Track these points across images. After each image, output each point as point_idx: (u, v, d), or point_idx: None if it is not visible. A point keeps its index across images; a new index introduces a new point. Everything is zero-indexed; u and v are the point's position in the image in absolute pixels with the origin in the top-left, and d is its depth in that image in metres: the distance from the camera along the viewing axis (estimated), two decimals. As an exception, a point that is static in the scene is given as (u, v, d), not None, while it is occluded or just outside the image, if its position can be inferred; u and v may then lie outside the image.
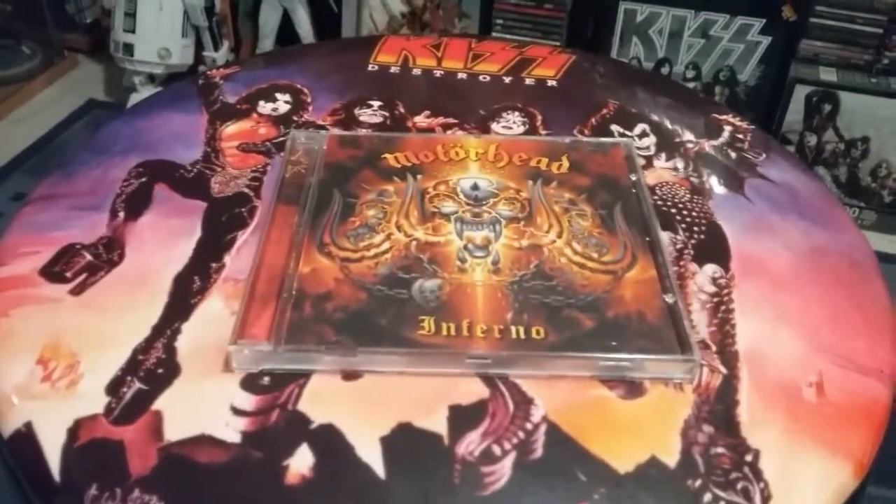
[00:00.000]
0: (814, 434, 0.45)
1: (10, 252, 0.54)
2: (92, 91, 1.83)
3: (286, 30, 1.78)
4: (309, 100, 0.70)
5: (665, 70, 1.45)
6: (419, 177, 0.59)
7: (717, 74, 1.44)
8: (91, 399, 0.45)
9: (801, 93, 1.38)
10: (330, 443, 0.43)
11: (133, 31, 1.64)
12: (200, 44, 1.71)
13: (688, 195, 0.61)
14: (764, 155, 0.66)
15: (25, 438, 0.43)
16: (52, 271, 0.52)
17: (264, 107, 0.69)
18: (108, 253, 0.54)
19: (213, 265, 0.53)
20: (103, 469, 0.42)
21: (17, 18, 1.82)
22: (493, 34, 1.58)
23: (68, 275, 0.52)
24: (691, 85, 1.44)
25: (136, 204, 0.58)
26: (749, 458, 0.43)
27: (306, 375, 0.46)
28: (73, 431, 0.43)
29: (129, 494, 0.41)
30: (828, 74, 1.40)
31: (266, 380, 0.46)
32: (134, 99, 1.71)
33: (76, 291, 0.51)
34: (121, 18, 1.64)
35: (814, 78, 1.39)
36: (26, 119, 1.74)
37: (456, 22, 1.69)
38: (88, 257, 0.53)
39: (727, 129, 0.69)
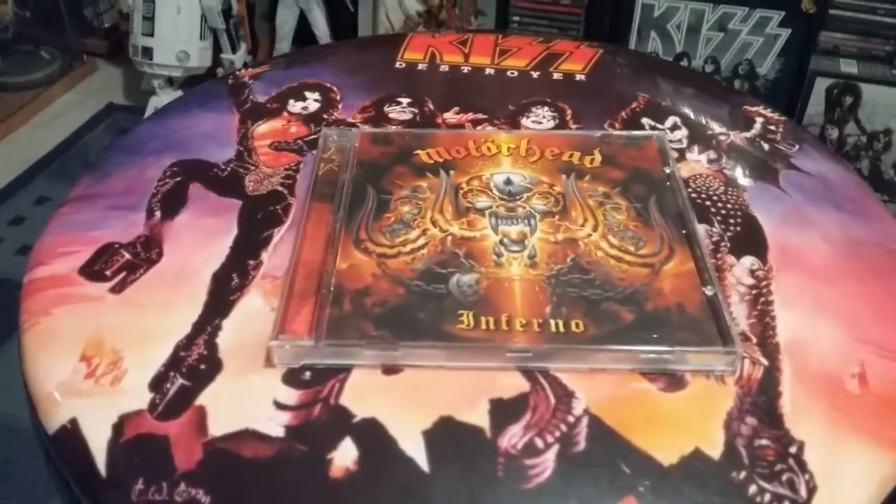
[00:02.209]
0: (857, 425, 0.45)
1: (50, 252, 0.55)
2: (111, 95, 1.84)
3: (303, 30, 1.79)
4: (338, 98, 0.70)
5: (683, 65, 1.45)
6: (452, 172, 0.59)
7: (737, 68, 1.44)
8: (135, 395, 0.45)
9: (821, 85, 1.37)
10: (373, 436, 0.43)
11: (151, 35, 1.65)
12: (218, 46, 1.72)
13: (722, 187, 0.61)
14: (797, 146, 0.66)
15: (71, 435, 0.44)
16: (92, 270, 0.53)
17: (294, 105, 0.69)
18: (147, 252, 0.54)
19: (251, 262, 0.53)
20: (149, 464, 0.42)
21: (37, 24, 1.84)
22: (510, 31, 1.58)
23: (108, 273, 0.52)
24: (711, 79, 1.43)
25: (172, 203, 0.58)
26: (793, 449, 0.43)
27: (347, 370, 0.46)
28: (119, 427, 0.44)
29: (176, 488, 0.41)
30: (848, 66, 1.39)
31: (307, 375, 0.46)
32: (153, 102, 1.72)
33: (116, 290, 0.51)
34: (139, 22, 1.65)
35: (834, 70, 1.38)
36: (47, 123, 1.75)
37: (472, 20, 1.70)
38: (127, 256, 0.54)
39: (759, 120, 0.69)
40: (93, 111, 1.79)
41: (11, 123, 1.72)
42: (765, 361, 0.48)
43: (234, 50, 1.72)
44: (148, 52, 1.66)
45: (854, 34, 1.38)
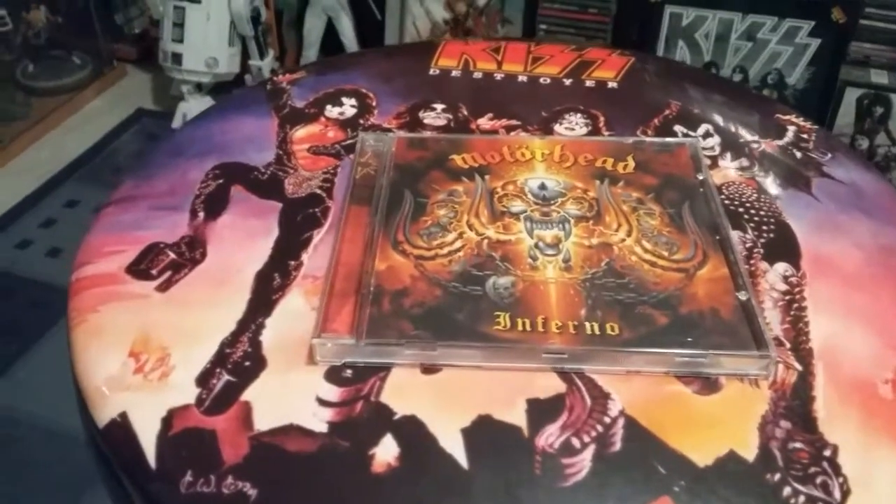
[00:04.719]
0: (891, 430, 0.45)
1: (97, 251, 0.56)
2: (141, 100, 1.87)
3: (330, 38, 1.81)
4: (374, 104, 0.71)
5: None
6: (487, 177, 0.60)
7: (765, 78, 1.44)
8: (183, 390, 0.46)
9: (851, 96, 1.37)
10: (413, 433, 0.44)
11: (181, 41, 1.68)
12: (246, 53, 1.74)
13: (755, 194, 0.61)
14: (829, 154, 0.66)
15: (121, 428, 0.45)
16: (138, 269, 0.54)
17: (331, 111, 0.70)
18: (191, 251, 0.55)
19: (292, 263, 0.54)
20: (197, 457, 0.43)
21: (68, 30, 1.88)
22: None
23: (153, 272, 0.54)
24: (739, 88, 1.43)
25: (214, 204, 0.59)
26: (827, 453, 0.44)
27: (387, 368, 0.47)
28: (167, 421, 0.45)
29: (223, 481, 0.42)
30: (879, 77, 1.38)
31: (349, 372, 0.47)
32: (182, 108, 1.75)
33: (162, 288, 0.53)
34: (169, 29, 1.68)
35: (865, 80, 1.38)
36: (78, 128, 1.79)
37: (499, 28, 1.71)
38: (172, 255, 0.55)
39: (791, 128, 0.69)
40: (122, 116, 1.82)
41: (43, 127, 1.76)
42: (798, 366, 0.48)
43: (262, 56, 1.75)
44: (177, 57, 1.69)
45: (885, 44, 1.38)
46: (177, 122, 1.76)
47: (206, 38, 1.68)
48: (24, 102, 1.78)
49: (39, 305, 1.29)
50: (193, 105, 1.73)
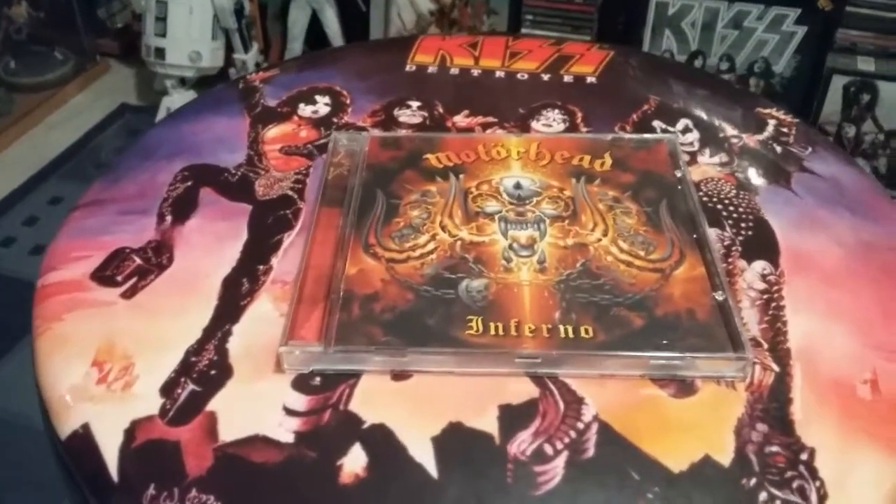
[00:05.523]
0: (869, 431, 0.44)
1: (61, 257, 0.55)
2: (124, 95, 1.85)
3: (314, 30, 1.79)
4: (348, 101, 0.70)
5: (698, 63, 1.44)
6: (461, 176, 0.59)
7: (752, 66, 1.43)
8: (146, 400, 0.45)
9: (838, 83, 1.36)
10: (382, 443, 0.43)
11: (164, 35, 1.66)
12: (230, 46, 1.72)
13: (734, 191, 0.60)
14: (810, 149, 0.65)
15: (83, 440, 0.44)
16: (104, 275, 0.53)
17: (304, 109, 0.69)
18: (158, 257, 0.54)
19: (261, 267, 0.53)
20: (161, 469, 0.42)
21: (50, 25, 1.85)
22: (523, 30, 1.58)
23: (119, 279, 0.53)
24: (725, 77, 1.43)
25: (182, 208, 0.58)
26: (804, 456, 0.43)
27: (356, 376, 0.46)
28: (130, 432, 0.44)
29: (187, 494, 0.41)
30: (865, 64, 1.38)
31: (317, 380, 0.46)
32: (165, 102, 1.73)
33: (127, 295, 0.52)
34: (152, 23, 1.66)
35: (851, 68, 1.37)
36: (61, 124, 1.77)
37: (484, 18, 1.69)
38: (138, 261, 0.54)
39: (771, 122, 0.68)
40: (106, 111, 1.80)
41: (25, 124, 1.74)
42: (776, 367, 0.47)
43: (246, 50, 1.73)
44: (160, 52, 1.67)
45: (871, 31, 1.37)
46: (161, 117, 1.74)
47: (188, 32, 1.66)
48: (6, 99, 1.76)
49: (23, 303, 1.28)
50: (177, 99, 1.71)
